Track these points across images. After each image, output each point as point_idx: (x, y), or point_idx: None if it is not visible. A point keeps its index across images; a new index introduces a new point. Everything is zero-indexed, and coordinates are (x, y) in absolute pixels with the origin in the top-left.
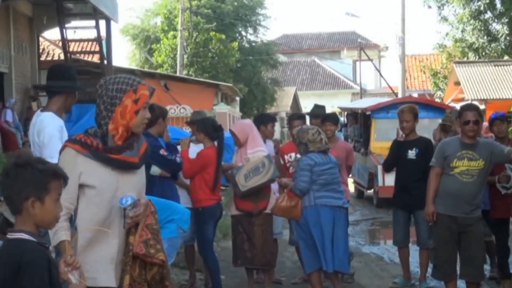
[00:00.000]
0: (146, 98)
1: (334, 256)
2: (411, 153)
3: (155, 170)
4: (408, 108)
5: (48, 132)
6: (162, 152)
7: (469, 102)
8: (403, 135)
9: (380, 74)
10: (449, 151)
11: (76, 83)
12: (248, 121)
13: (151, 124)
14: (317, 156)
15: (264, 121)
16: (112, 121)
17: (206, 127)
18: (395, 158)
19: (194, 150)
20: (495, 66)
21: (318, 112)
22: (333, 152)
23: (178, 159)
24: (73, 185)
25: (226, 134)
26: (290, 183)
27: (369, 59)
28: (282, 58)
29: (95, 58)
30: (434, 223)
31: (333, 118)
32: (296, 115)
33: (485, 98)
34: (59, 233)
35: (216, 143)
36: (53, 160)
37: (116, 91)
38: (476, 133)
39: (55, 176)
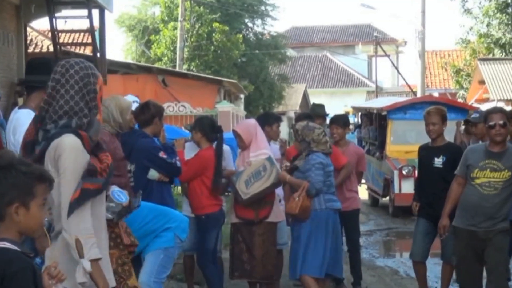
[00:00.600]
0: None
1: (336, 260)
2: (438, 161)
3: (153, 174)
4: (436, 110)
5: (24, 131)
6: (162, 155)
7: (494, 103)
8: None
9: (398, 71)
10: (472, 160)
11: None
12: (253, 121)
13: (146, 124)
14: (324, 157)
15: (269, 121)
16: (99, 112)
17: (203, 127)
18: (420, 166)
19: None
20: None
21: (319, 111)
22: (343, 157)
23: (178, 163)
24: None
25: (229, 135)
26: (305, 182)
27: (386, 55)
28: (291, 52)
29: (87, 51)
30: (455, 238)
31: (340, 120)
32: (303, 115)
33: None
34: (95, 248)
35: (214, 145)
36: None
37: (90, 77)
38: (503, 137)
39: (40, 179)
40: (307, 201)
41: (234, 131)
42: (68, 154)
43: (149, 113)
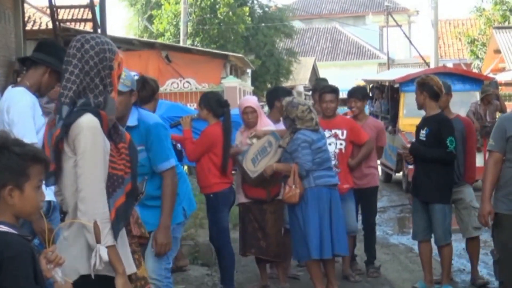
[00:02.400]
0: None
1: (333, 239)
2: (422, 134)
3: None
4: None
5: (19, 109)
6: None
7: (510, 72)
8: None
9: (410, 42)
10: None
11: (62, 64)
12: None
13: (146, 101)
14: (311, 133)
15: (279, 96)
16: (114, 89)
17: (209, 102)
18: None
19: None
20: None
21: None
22: (365, 133)
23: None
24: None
25: (234, 111)
26: (293, 165)
27: (398, 25)
28: (299, 25)
29: (88, 27)
30: (495, 227)
31: (359, 93)
32: (329, 87)
33: None
34: (111, 235)
35: (222, 120)
36: (24, 139)
37: (106, 52)
38: None
39: (35, 160)
40: (301, 185)
41: (248, 107)
42: (86, 134)
43: (150, 88)
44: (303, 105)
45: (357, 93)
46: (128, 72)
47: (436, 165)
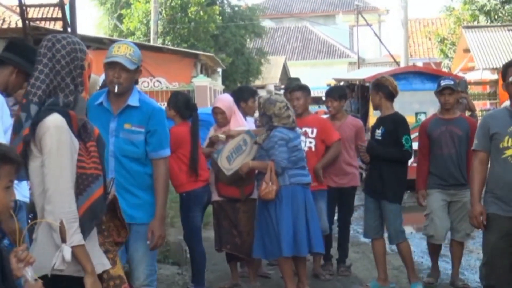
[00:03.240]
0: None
1: (310, 237)
2: (378, 133)
3: None
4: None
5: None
6: None
7: (479, 72)
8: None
9: (380, 41)
10: (497, 127)
11: (30, 64)
12: (231, 97)
13: None
14: (288, 131)
15: (243, 96)
16: (85, 89)
17: (177, 104)
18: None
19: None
20: (509, 30)
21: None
22: (336, 134)
23: None
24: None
25: (206, 110)
26: (270, 162)
27: (368, 24)
28: (269, 24)
29: (58, 26)
30: (485, 228)
31: (335, 92)
32: (297, 86)
33: (498, 67)
34: (79, 234)
35: (190, 120)
36: None
37: (77, 52)
38: None
39: (4, 160)
40: (278, 182)
41: (217, 108)
42: (52, 133)
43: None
44: (280, 102)
45: (333, 93)
46: (136, 48)
47: (391, 164)
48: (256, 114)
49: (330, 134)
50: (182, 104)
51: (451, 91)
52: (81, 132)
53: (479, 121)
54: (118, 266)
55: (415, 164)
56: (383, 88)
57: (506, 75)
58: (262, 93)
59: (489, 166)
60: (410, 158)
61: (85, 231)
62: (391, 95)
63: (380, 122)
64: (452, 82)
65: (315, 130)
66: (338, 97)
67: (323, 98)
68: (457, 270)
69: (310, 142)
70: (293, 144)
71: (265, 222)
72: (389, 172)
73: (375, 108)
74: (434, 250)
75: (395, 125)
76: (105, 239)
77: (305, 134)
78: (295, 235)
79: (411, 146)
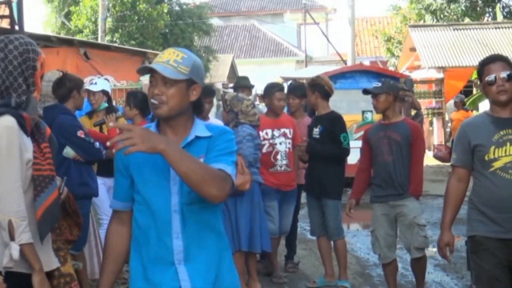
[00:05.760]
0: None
1: (262, 235)
2: (315, 131)
3: (68, 152)
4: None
5: None
6: (80, 134)
7: (425, 70)
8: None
9: (328, 40)
10: (479, 137)
11: None
12: None
13: (65, 99)
14: (253, 129)
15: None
16: (37, 89)
17: (140, 102)
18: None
19: None
20: (454, 30)
21: (244, 83)
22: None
23: (97, 144)
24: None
25: None
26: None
27: (315, 23)
28: (217, 22)
29: (5, 23)
30: (473, 254)
31: (298, 90)
32: (279, 86)
33: (444, 65)
34: (27, 232)
35: (149, 119)
36: None
37: (30, 53)
38: (510, 94)
39: None
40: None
41: None
42: (2, 133)
43: (65, 87)
44: (247, 100)
45: (295, 90)
46: (189, 54)
47: (330, 162)
48: (212, 118)
49: (298, 135)
50: (143, 102)
51: (374, 95)
52: (34, 132)
53: (456, 127)
54: (68, 264)
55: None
56: (319, 88)
57: (482, 74)
58: None
59: (472, 183)
60: (348, 155)
61: (44, 232)
62: (327, 94)
63: (317, 121)
64: (374, 85)
65: (291, 131)
66: (300, 95)
67: None
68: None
69: (289, 143)
70: (258, 142)
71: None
72: (327, 170)
73: (311, 107)
74: (387, 273)
75: (332, 123)
76: (57, 237)
77: (285, 135)
78: (251, 231)
79: (349, 144)
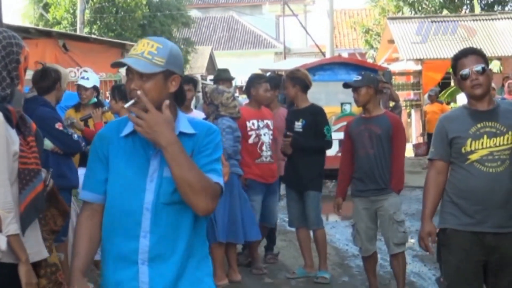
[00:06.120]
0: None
1: (245, 226)
2: (298, 125)
3: (47, 143)
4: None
5: None
6: (58, 126)
7: (403, 62)
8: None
9: (306, 31)
10: (456, 130)
11: None
12: None
13: (48, 91)
14: (233, 122)
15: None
16: (21, 82)
17: (126, 95)
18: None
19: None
20: (432, 22)
21: (225, 76)
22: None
23: (75, 136)
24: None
25: None
26: None
27: (294, 15)
28: (196, 13)
29: None
30: (443, 247)
31: (272, 81)
32: (265, 77)
33: (422, 57)
34: (14, 224)
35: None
36: None
37: (13, 46)
38: (485, 87)
39: None
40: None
41: None
42: None
43: (50, 79)
44: (227, 92)
45: (270, 82)
46: (166, 43)
47: (310, 154)
48: (194, 111)
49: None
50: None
51: (354, 88)
52: (20, 125)
53: (442, 121)
54: (54, 254)
55: (340, 154)
56: (299, 81)
57: (456, 69)
58: None
59: (449, 175)
60: (331, 147)
61: (26, 224)
62: (306, 88)
63: (298, 114)
64: (354, 79)
65: (272, 123)
66: (274, 86)
67: None
68: None
69: (271, 135)
70: (237, 135)
71: None
72: (308, 162)
73: (290, 100)
74: (367, 265)
75: (315, 116)
76: (42, 227)
77: (267, 126)
78: (231, 223)
79: (331, 135)
